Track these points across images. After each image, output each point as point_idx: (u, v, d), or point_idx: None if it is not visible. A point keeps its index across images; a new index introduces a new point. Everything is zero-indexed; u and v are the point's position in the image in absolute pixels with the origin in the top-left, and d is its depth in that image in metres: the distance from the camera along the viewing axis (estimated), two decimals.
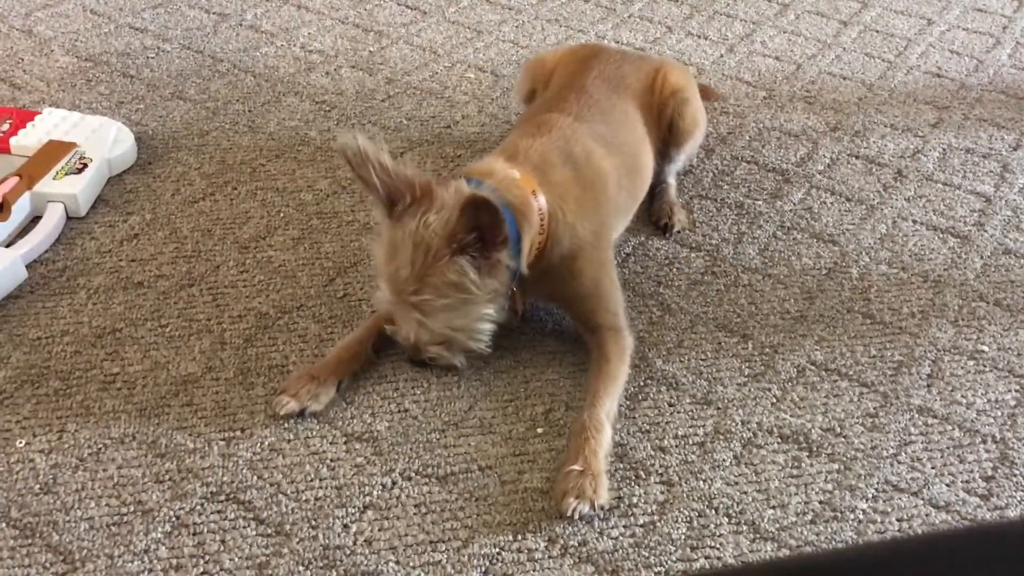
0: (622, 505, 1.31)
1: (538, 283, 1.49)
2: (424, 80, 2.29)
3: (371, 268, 1.63)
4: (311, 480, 1.33)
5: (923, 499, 1.34)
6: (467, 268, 1.32)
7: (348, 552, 1.24)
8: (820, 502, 1.33)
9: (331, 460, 1.36)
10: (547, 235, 1.44)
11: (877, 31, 2.63)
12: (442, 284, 1.33)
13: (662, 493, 1.33)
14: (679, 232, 1.82)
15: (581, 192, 1.50)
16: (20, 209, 1.74)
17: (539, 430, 1.42)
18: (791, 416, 1.45)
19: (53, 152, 1.84)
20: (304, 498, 1.30)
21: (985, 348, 1.59)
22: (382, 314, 1.53)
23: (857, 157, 2.08)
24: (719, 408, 1.46)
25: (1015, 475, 1.38)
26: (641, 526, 1.29)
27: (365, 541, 1.25)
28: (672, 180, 1.89)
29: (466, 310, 1.37)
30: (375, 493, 1.31)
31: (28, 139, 1.88)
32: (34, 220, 1.76)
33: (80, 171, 1.81)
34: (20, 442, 1.37)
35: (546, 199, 1.43)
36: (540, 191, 1.43)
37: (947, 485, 1.36)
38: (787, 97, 2.30)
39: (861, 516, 1.31)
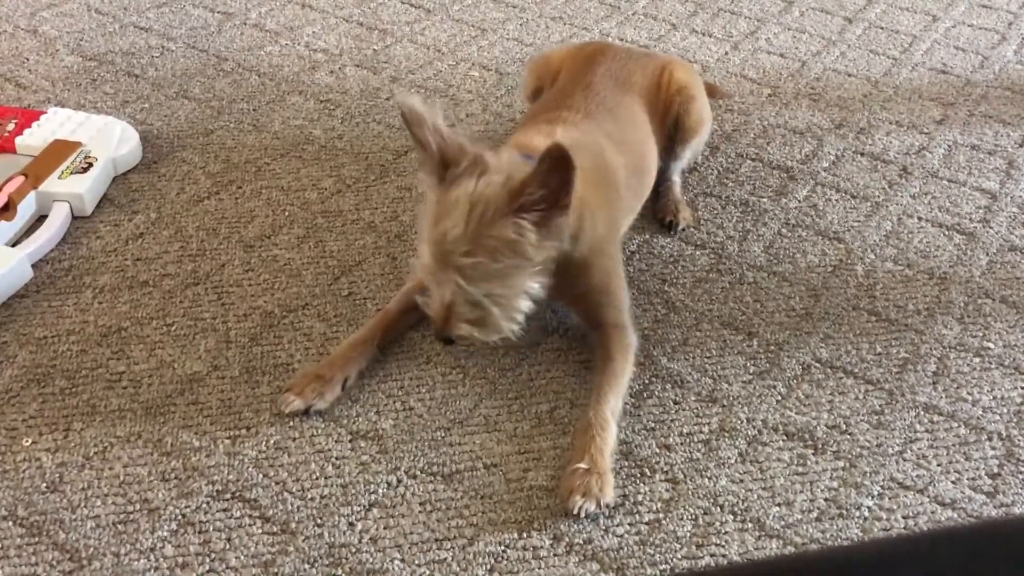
0: (627, 503, 1.31)
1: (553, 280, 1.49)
2: (428, 78, 2.29)
3: (413, 236, 1.56)
4: (316, 478, 1.33)
5: (929, 496, 1.34)
6: (527, 227, 1.28)
7: (353, 550, 1.24)
8: (825, 499, 1.33)
9: (336, 458, 1.36)
10: (576, 220, 1.41)
11: (882, 28, 2.63)
12: (498, 244, 1.28)
13: (667, 491, 1.33)
14: (684, 230, 1.82)
15: (598, 182, 1.49)
16: (26, 208, 1.74)
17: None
18: (796, 413, 1.45)
19: (58, 151, 1.85)
20: (309, 496, 1.31)
21: (991, 345, 1.59)
22: (391, 312, 1.53)
23: (862, 154, 2.08)
24: (724, 406, 1.46)
25: (1021, 472, 1.37)
26: (646, 524, 1.29)
27: (370, 539, 1.26)
28: (677, 177, 1.89)
29: (513, 278, 1.32)
30: (380, 491, 1.32)
31: (33, 138, 1.89)
32: (40, 219, 1.76)
33: (85, 170, 1.82)
34: (26, 441, 1.37)
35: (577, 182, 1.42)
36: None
37: (953, 482, 1.36)
38: (792, 94, 2.29)
39: (867, 513, 1.31)
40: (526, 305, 1.37)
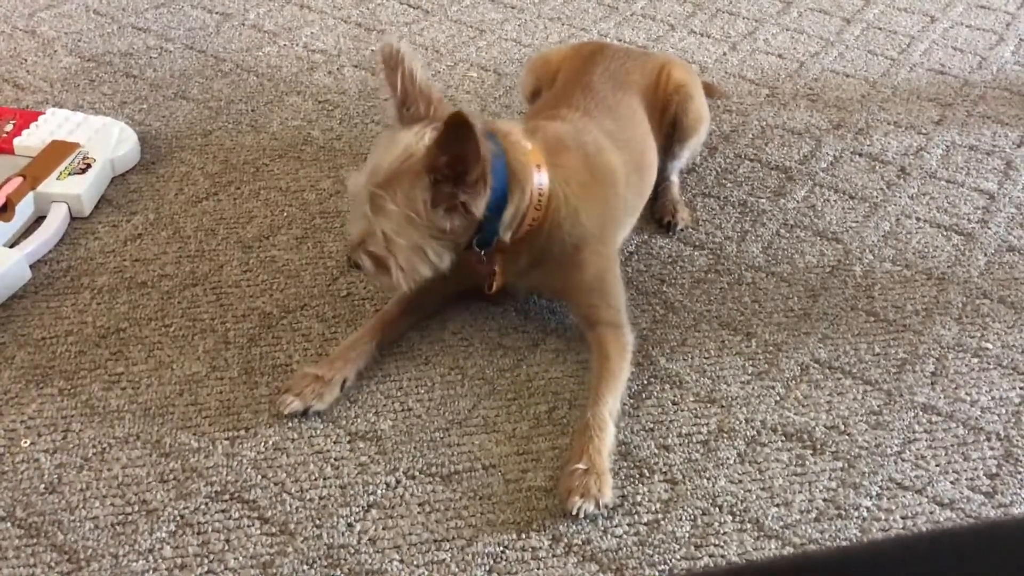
0: (626, 503, 1.31)
1: (541, 274, 1.49)
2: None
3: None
4: (315, 479, 1.33)
5: (927, 497, 1.34)
6: (424, 193, 1.32)
7: (352, 551, 1.24)
8: (824, 500, 1.33)
9: (335, 459, 1.36)
10: (544, 215, 1.42)
11: (880, 28, 2.63)
12: (401, 192, 1.32)
13: (666, 491, 1.33)
14: (682, 230, 1.82)
15: (589, 179, 1.49)
16: (24, 209, 1.74)
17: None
18: (795, 414, 1.45)
19: (57, 152, 1.84)
20: (308, 497, 1.30)
21: (989, 345, 1.59)
22: (390, 312, 1.53)
23: (860, 155, 2.08)
24: (723, 406, 1.46)
25: (1019, 472, 1.38)
26: (645, 524, 1.29)
27: (369, 540, 1.26)
28: (675, 178, 1.89)
29: (408, 232, 1.35)
30: (379, 492, 1.32)
31: (32, 139, 1.89)
32: (38, 220, 1.76)
33: (84, 171, 1.82)
34: (25, 442, 1.37)
35: (549, 178, 1.42)
36: (545, 169, 1.42)
37: (951, 483, 1.36)
38: (790, 95, 2.30)
39: (865, 514, 1.31)
40: (423, 267, 1.39)
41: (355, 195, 1.39)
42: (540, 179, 1.41)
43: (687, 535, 1.28)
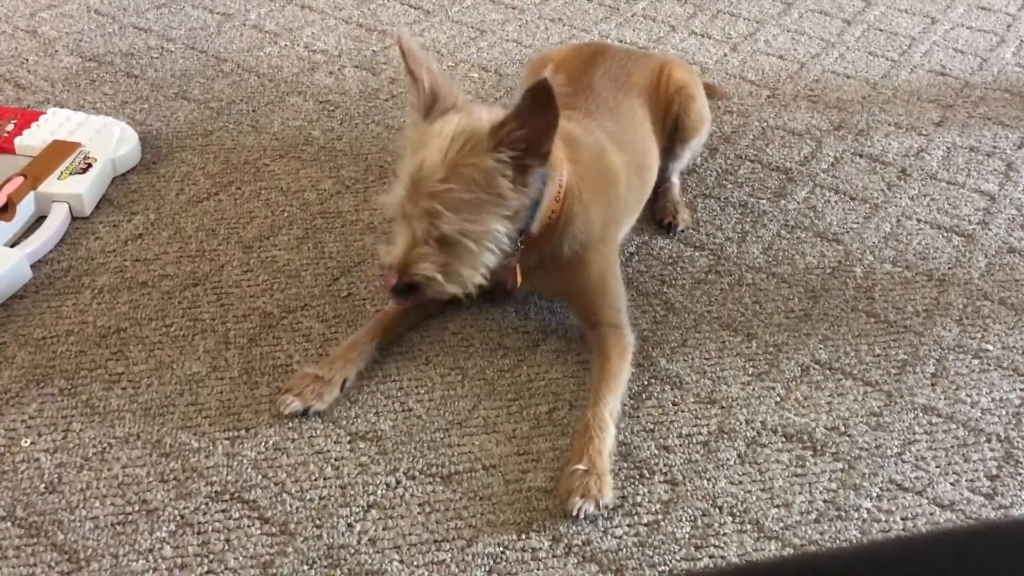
0: (626, 504, 1.31)
1: (545, 274, 1.49)
2: None
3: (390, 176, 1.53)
4: (315, 479, 1.33)
5: (927, 498, 1.34)
6: (501, 168, 1.29)
7: (352, 551, 1.24)
8: (824, 501, 1.33)
9: (335, 459, 1.36)
10: (561, 209, 1.42)
11: (881, 30, 2.63)
12: (474, 175, 1.29)
13: (666, 492, 1.33)
14: (683, 231, 1.82)
15: (598, 178, 1.50)
16: (25, 209, 1.74)
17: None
18: (795, 415, 1.45)
19: (57, 152, 1.85)
20: (308, 497, 1.30)
21: (990, 347, 1.59)
22: (390, 313, 1.53)
23: (861, 156, 2.08)
24: (723, 407, 1.46)
25: (1020, 474, 1.37)
26: (645, 525, 1.29)
27: (369, 540, 1.25)
28: (676, 179, 1.89)
29: (484, 214, 1.32)
30: (379, 492, 1.32)
31: (33, 139, 1.89)
32: (39, 220, 1.76)
33: (84, 171, 1.82)
34: (25, 441, 1.37)
35: (567, 173, 1.42)
36: (566, 163, 1.42)
37: (952, 484, 1.36)
38: (791, 96, 2.30)
39: (865, 515, 1.31)
40: (491, 257, 1.37)
41: (397, 209, 1.35)
42: (562, 172, 1.41)
43: (687, 536, 1.27)
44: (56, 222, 1.73)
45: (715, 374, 1.52)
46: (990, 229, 1.86)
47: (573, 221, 1.44)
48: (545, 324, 1.60)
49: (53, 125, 1.93)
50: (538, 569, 1.23)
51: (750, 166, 2.03)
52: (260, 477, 1.33)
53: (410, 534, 1.26)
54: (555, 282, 1.53)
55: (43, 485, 1.31)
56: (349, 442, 1.38)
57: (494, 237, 1.35)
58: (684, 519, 1.29)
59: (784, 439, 1.41)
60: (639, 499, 1.32)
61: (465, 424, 1.42)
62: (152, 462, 1.35)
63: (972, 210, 1.92)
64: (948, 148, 2.11)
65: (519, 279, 1.48)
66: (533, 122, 1.27)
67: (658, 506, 1.31)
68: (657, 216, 1.84)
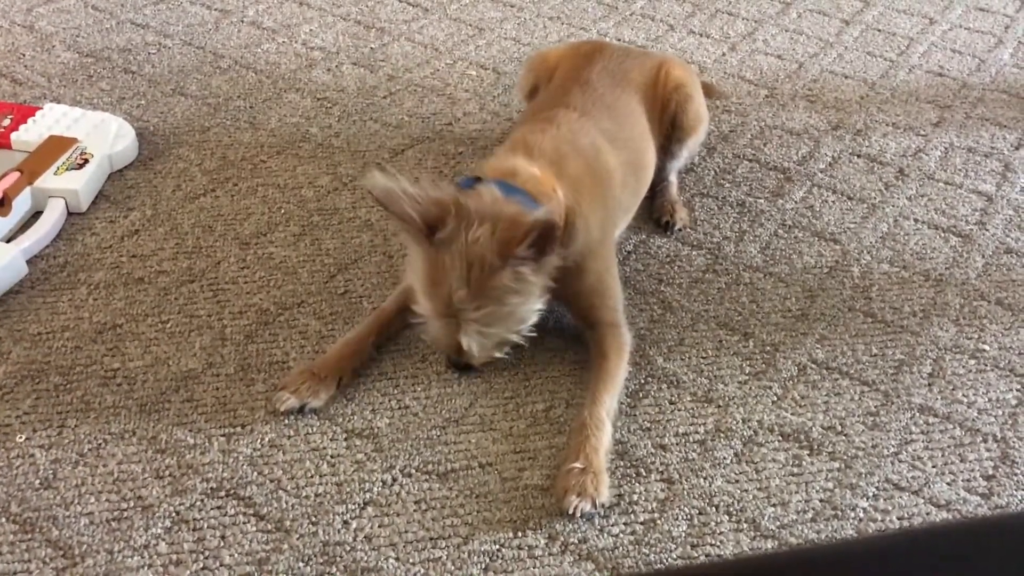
0: (623, 502, 1.31)
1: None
2: (425, 77, 2.29)
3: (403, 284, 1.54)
4: (311, 476, 1.33)
5: (924, 498, 1.34)
6: (524, 272, 1.32)
7: (348, 548, 1.24)
8: (821, 500, 1.33)
9: (331, 456, 1.36)
10: (564, 227, 1.42)
11: (879, 30, 2.63)
12: (502, 293, 1.33)
13: (663, 491, 1.33)
14: (680, 230, 1.82)
15: (592, 183, 1.50)
16: (21, 204, 1.74)
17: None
18: (792, 414, 1.45)
19: (54, 148, 1.84)
20: (304, 494, 1.30)
21: (986, 347, 1.59)
22: (387, 310, 1.53)
23: (859, 156, 2.08)
24: (720, 406, 1.46)
25: (1016, 474, 1.38)
26: (642, 523, 1.29)
27: (365, 537, 1.25)
28: (673, 178, 1.89)
29: (522, 309, 1.38)
30: (375, 489, 1.31)
31: (29, 134, 1.88)
32: (35, 215, 1.76)
33: (81, 167, 1.81)
34: (20, 437, 1.37)
35: (563, 193, 1.42)
36: (559, 185, 1.42)
37: (948, 484, 1.36)
38: (789, 95, 2.30)
39: (862, 515, 1.31)
40: (534, 318, 1.42)
41: (439, 321, 1.38)
42: (560, 198, 1.41)
43: (683, 534, 1.27)
44: (52, 218, 1.73)
45: (712, 373, 1.52)
46: (987, 229, 1.86)
47: (576, 232, 1.44)
48: (542, 323, 1.60)
49: (50, 120, 1.92)
50: (534, 567, 1.23)
51: (748, 165, 2.03)
52: (256, 474, 1.33)
53: (406, 531, 1.26)
54: (555, 288, 1.52)
55: (38, 481, 1.31)
56: (345, 439, 1.38)
57: (534, 312, 1.41)
58: (680, 518, 1.29)
59: (781, 438, 1.41)
60: (635, 497, 1.32)
61: (461, 422, 1.42)
62: (147, 458, 1.34)
63: (969, 210, 1.92)
64: (946, 148, 2.11)
65: None
66: (540, 245, 1.30)
67: (654, 504, 1.31)
68: (655, 215, 1.83)
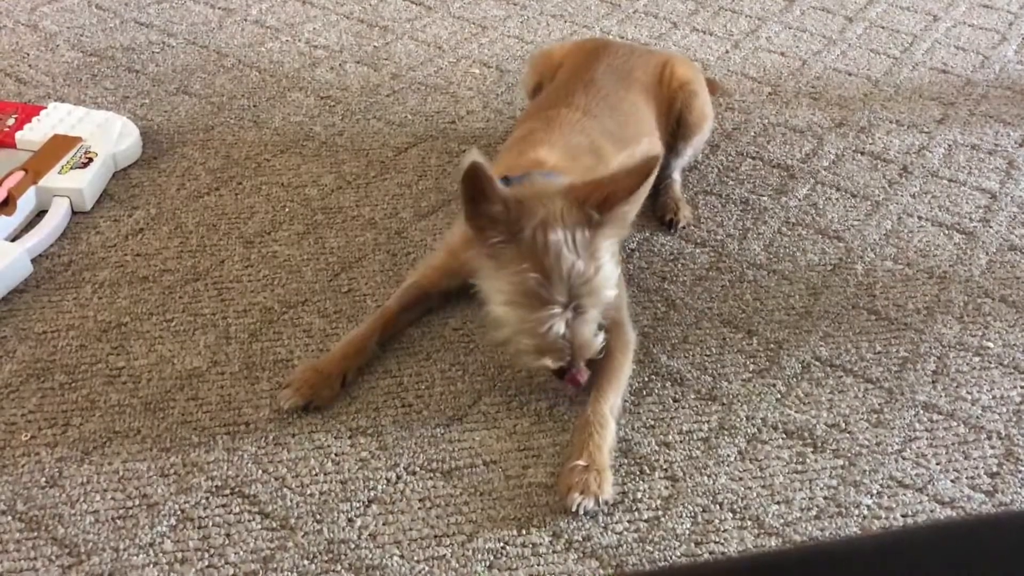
0: (626, 500, 1.31)
1: None
2: (429, 75, 2.29)
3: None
4: (316, 474, 1.33)
5: (928, 495, 1.34)
6: (606, 232, 1.31)
7: (353, 546, 1.24)
8: (825, 498, 1.33)
9: (336, 454, 1.36)
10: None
11: (883, 27, 2.62)
12: (601, 248, 1.31)
13: (666, 488, 1.33)
14: (684, 227, 1.81)
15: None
16: (25, 204, 1.74)
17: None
18: (796, 412, 1.45)
19: (58, 147, 1.84)
20: (309, 492, 1.30)
21: (990, 344, 1.59)
22: (391, 308, 1.53)
23: (862, 153, 2.08)
24: (724, 404, 1.46)
25: (1020, 471, 1.37)
26: (645, 521, 1.29)
27: (370, 535, 1.26)
28: (677, 176, 1.89)
29: (615, 274, 1.35)
30: (379, 487, 1.32)
31: (34, 134, 1.89)
32: (39, 214, 1.76)
33: (85, 165, 1.82)
34: (25, 435, 1.37)
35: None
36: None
37: (952, 481, 1.36)
38: (792, 93, 2.29)
39: (866, 512, 1.31)
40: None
41: (561, 320, 1.32)
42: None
43: (687, 532, 1.27)
44: (57, 217, 1.73)
45: (716, 371, 1.52)
46: (991, 227, 1.86)
47: None
48: None
49: (54, 120, 1.93)
50: (538, 564, 1.23)
51: (751, 163, 2.02)
52: (260, 472, 1.33)
53: (410, 529, 1.26)
54: None
55: (43, 479, 1.31)
56: (350, 437, 1.38)
57: (617, 273, 1.38)
58: (684, 515, 1.29)
59: (785, 436, 1.41)
60: (639, 495, 1.32)
61: (466, 420, 1.42)
62: (152, 457, 1.35)
63: (973, 208, 1.91)
64: (949, 146, 2.11)
65: None
66: (630, 182, 1.29)
67: (658, 502, 1.31)
68: (658, 213, 1.83)
